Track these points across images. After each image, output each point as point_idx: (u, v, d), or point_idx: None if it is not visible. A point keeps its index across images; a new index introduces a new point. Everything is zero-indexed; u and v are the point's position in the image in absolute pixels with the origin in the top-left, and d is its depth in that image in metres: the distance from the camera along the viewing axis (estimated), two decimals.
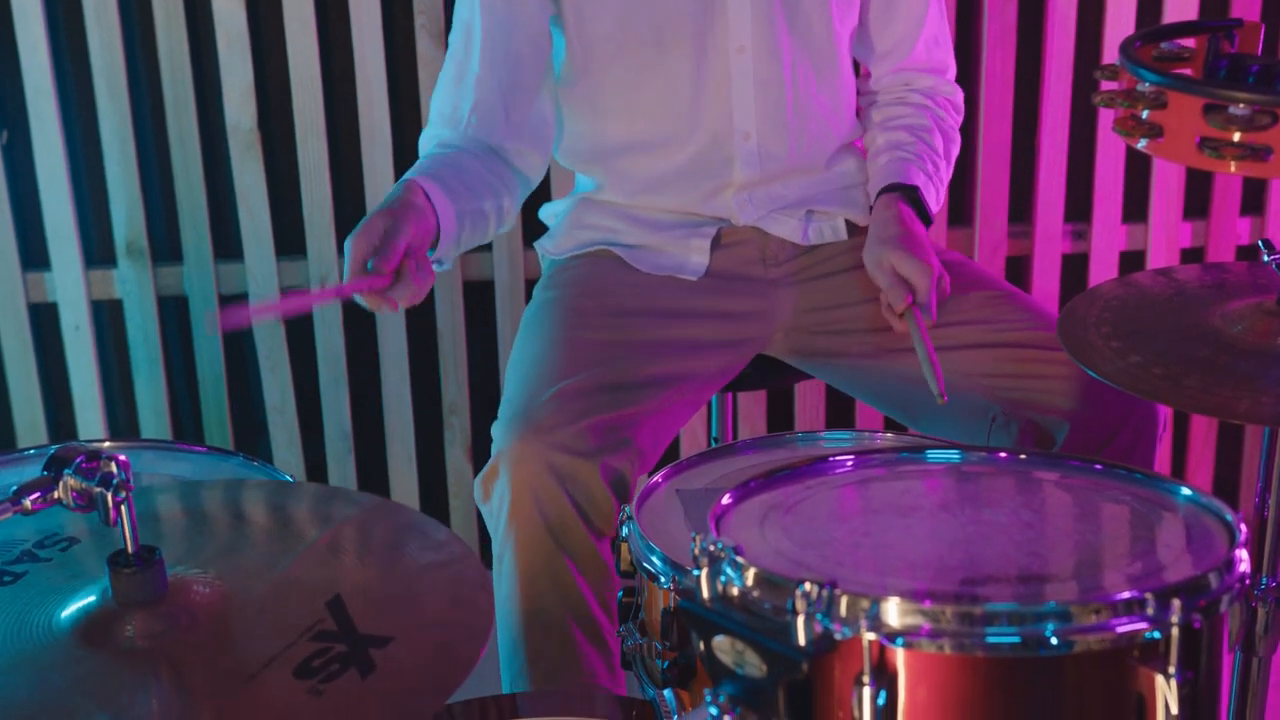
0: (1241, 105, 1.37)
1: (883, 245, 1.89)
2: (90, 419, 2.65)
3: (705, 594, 1.18)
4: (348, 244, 1.66)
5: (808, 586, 1.10)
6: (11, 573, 1.28)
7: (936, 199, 2.01)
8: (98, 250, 2.62)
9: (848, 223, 2.03)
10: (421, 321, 2.65)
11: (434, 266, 1.82)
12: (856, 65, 2.09)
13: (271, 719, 1.09)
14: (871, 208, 1.98)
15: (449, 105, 1.93)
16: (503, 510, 1.73)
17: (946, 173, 2.05)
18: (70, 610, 1.20)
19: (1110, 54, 2.59)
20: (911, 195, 1.95)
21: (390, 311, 1.69)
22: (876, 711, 1.09)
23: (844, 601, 1.11)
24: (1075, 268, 2.72)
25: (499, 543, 1.76)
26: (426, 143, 1.95)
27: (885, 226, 1.92)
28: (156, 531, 1.33)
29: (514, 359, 1.91)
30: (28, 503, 1.17)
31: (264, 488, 1.53)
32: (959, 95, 2.11)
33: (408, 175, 1.83)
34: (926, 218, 1.96)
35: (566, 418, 1.74)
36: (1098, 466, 1.38)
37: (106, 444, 1.79)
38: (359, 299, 1.68)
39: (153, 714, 1.10)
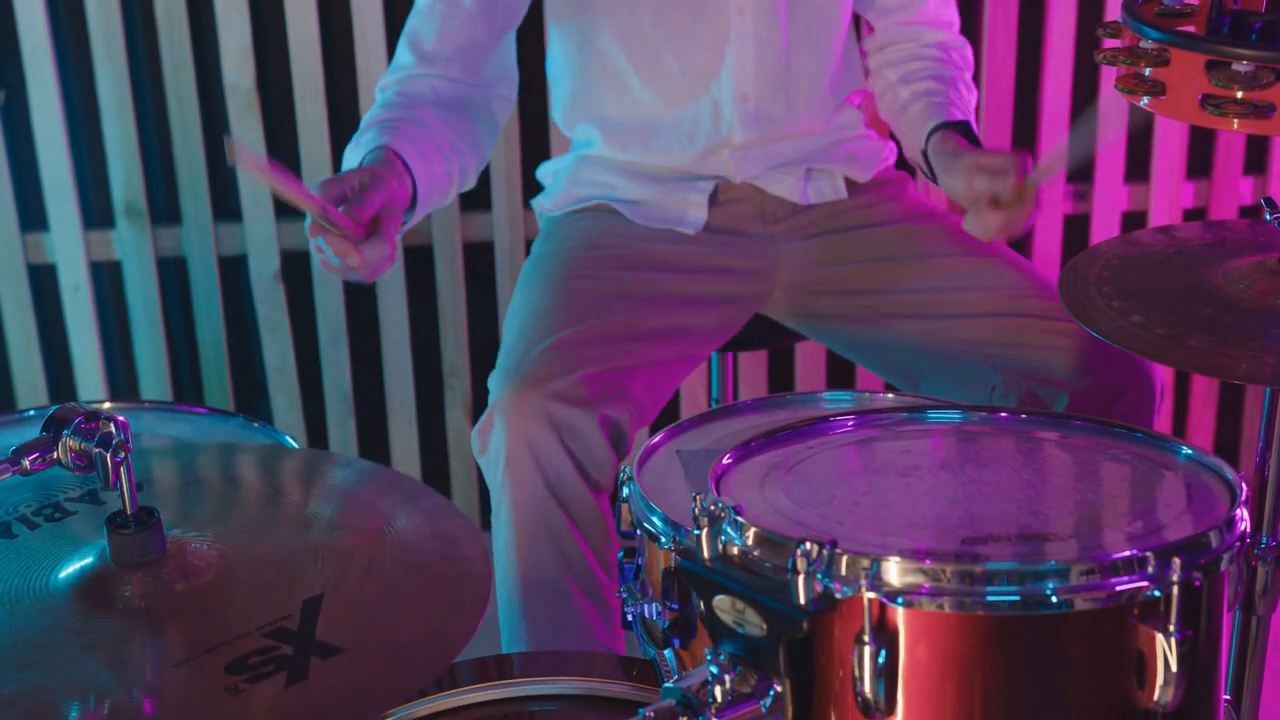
0: (1244, 62, 1.36)
1: (969, 157, 1.81)
2: (90, 380, 2.65)
3: (706, 553, 1.18)
4: (316, 189, 1.58)
5: (808, 545, 1.10)
6: (64, 509, 1.29)
7: None
8: (96, 211, 2.61)
9: (847, 181, 2.02)
10: (421, 283, 2.65)
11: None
12: (856, 19, 2.07)
13: (178, 705, 1.05)
14: (925, 151, 1.93)
15: (430, 39, 1.86)
16: (499, 462, 1.73)
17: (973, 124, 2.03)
18: (78, 562, 1.20)
19: (1113, 11, 2.57)
20: (964, 129, 1.91)
21: (352, 263, 1.57)
22: (877, 670, 1.10)
23: (844, 560, 1.11)
24: (1077, 228, 2.71)
25: (496, 495, 1.76)
26: (389, 85, 1.88)
27: (957, 152, 1.84)
28: (163, 497, 1.32)
29: (511, 311, 1.90)
30: (26, 463, 1.17)
31: (286, 457, 1.51)
32: (968, 49, 2.10)
33: (380, 139, 1.76)
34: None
35: (562, 368, 1.74)
36: (1099, 426, 1.38)
37: (106, 405, 1.79)
38: (322, 242, 1.57)
39: (81, 677, 1.08)
